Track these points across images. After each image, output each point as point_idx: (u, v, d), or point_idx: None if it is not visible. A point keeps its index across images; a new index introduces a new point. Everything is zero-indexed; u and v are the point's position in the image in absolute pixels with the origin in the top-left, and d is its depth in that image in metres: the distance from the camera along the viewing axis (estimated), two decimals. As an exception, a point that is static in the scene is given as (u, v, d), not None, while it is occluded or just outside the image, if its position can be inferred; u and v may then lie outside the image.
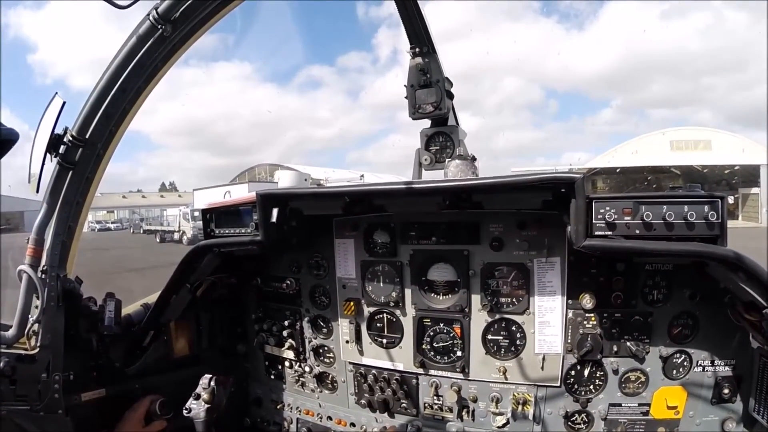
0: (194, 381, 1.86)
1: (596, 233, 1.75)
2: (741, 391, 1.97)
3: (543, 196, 1.87)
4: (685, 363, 2.01)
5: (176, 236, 37.77)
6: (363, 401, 2.57)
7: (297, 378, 2.80)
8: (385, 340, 2.47)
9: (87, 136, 2.00)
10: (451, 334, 2.31)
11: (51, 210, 2.04)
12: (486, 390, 2.30)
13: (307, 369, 2.73)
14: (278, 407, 2.89)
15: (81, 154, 2.02)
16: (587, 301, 2.02)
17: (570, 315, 2.10)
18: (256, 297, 2.86)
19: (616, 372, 2.08)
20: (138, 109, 2.09)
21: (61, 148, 1.98)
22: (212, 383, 1.83)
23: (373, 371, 2.51)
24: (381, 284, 2.43)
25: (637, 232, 1.70)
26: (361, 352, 2.54)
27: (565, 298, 2.09)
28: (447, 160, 2.38)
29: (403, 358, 2.43)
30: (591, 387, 2.13)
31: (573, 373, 2.14)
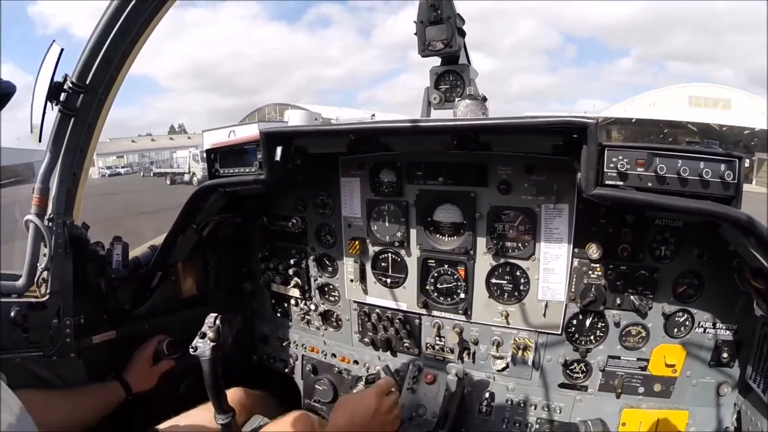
0: (202, 320, 1.85)
1: (607, 182, 1.70)
2: (740, 357, 1.97)
3: (554, 140, 1.80)
4: (687, 322, 2.01)
5: (186, 178, 38.03)
6: (366, 339, 2.63)
7: (302, 316, 2.87)
8: (389, 280, 2.50)
9: (87, 82, 1.96)
10: (455, 276, 2.33)
11: (54, 158, 2.03)
12: (487, 333, 2.33)
13: (312, 307, 2.80)
14: (284, 344, 2.98)
15: (82, 101, 1.99)
16: (593, 251, 2.01)
17: (575, 264, 2.09)
18: (262, 236, 2.89)
19: (617, 325, 2.08)
20: (138, 51, 2.03)
21: (62, 96, 1.94)
22: (217, 322, 1.85)
23: (377, 310, 2.56)
24: (386, 224, 2.43)
25: (650, 184, 1.65)
26: (366, 291, 2.58)
27: (572, 246, 2.08)
28: (457, 99, 2.30)
29: (406, 298, 2.47)
30: (591, 337, 2.14)
31: (575, 322, 2.15)
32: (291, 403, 2.72)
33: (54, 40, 1.90)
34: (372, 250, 2.51)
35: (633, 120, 40.47)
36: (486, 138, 1.98)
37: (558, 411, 2.23)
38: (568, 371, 2.22)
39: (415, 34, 2.32)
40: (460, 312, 2.34)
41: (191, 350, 1.81)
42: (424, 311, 2.44)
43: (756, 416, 1.85)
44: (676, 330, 2.02)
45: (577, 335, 2.16)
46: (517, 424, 2.30)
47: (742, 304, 1.90)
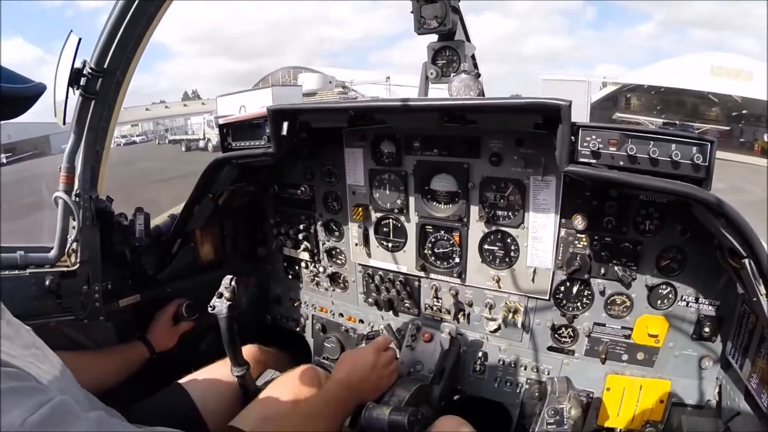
0: (219, 283, 2.01)
1: (580, 160, 1.78)
2: (722, 333, 2.03)
3: (533, 118, 1.89)
4: (670, 295, 2.08)
5: (201, 144, 38.20)
6: (370, 300, 2.81)
7: (312, 278, 3.05)
8: (390, 244, 2.65)
9: (105, 66, 2.08)
10: (451, 242, 2.47)
11: (78, 139, 2.17)
12: (480, 296, 2.48)
13: (321, 269, 2.97)
14: (296, 305, 3.17)
15: (101, 84, 2.11)
16: (579, 222, 2.09)
17: (562, 233, 2.19)
18: (273, 203, 3.05)
19: (602, 293, 2.17)
20: (152, 33, 2.14)
21: (82, 81, 2.06)
22: (233, 283, 2.00)
23: (380, 272, 2.72)
24: (387, 192, 2.56)
25: (621, 163, 1.73)
26: (369, 255, 2.73)
27: (558, 216, 2.17)
28: (452, 74, 2.40)
29: (406, 262, 2.62)
30: (578, 304, 2.25)
31: (562, 288, 2.26)
32: (302, 360, 2.87)
33: (71, 30, 2.01)
34: (374, 216, 2.65)
35: (652, 89, 39.14)
36: (472, 116, 2.07)
37: (546, 372, 2.35)
38: (556, 335, 2.34)
39: (411, 12, 2.38)
40: (455, 275, 2.48)
41: (210, 309, 1.99)
42: (422, 274, 2.59)
43: (734, 392, 1.91)
44: (659, 302, 2.09)
45: (564, 301, 2.27)
46: (508, 383, 2.44)
47: (725, 281, 1.95)
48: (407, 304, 2.69)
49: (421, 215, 2.50)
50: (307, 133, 2.47)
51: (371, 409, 1.86)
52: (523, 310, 2.37)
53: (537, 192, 2.19)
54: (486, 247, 2.39)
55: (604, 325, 2.22)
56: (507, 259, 2.35)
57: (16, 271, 2.12)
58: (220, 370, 2.23)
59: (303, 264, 3.07)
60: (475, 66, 2.60)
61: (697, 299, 2.04)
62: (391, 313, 2.76)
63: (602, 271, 2.13)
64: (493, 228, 2.34)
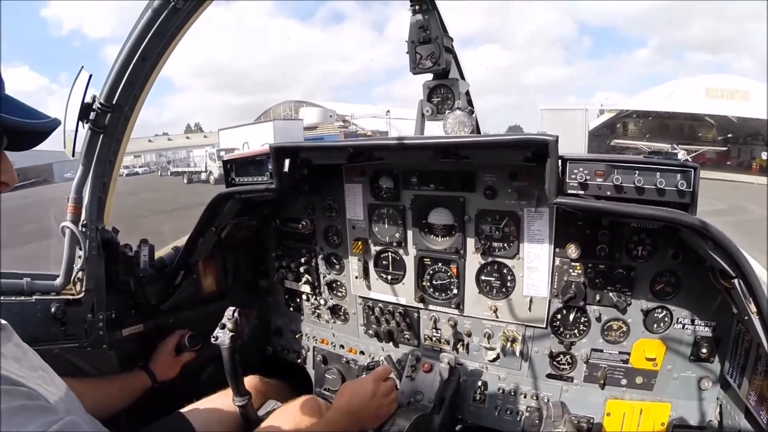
0: (221, 314, 2.05)
1: (569, 191, 1.85)
2: (719, 353, 2.04)
3: (523, 153, 1.96)
4: (666, 319, 2.10)
5: (203, 176, 38.40)
6: (371, 331, 2.84)
7: (313, 310, 3.09)
8: (389, 276, 2.70)
9: (114, 102, 2.16)
10: (449, 273, 2.52)
11: (87, 170, 2.24)
12: (479, 326, 2.51)
13: (322, 302, 3.02)
14: (297, 336, 3.19)
15: (110, 119, 2.19)
16: (572, 250, 2.14)
17: (557, 262, 2.24)
18: (275, 237, 3.11)
19: (598, 319, 2.21)
20: (159, 72, 2.23)
21: (91, 115, 2.15)
22: (235, 314, 2.04)
23: (380, 304, 2.76)
24: (386, 226, 2.63)
25: (608, 193, 1.79)
26: (369, 287, 2.78)
27: (552, 246, 2.22)
28: (447, 111, 2.50)
29: (405, 293, 2.67)
30: (575, 331, 2.28)
31: (559, 316, 2.29)
32: (303, 391, 2.83)
33: (82, 66, 2.10)
34: (374, 249, 2.71)
35: (649, 116, 39.58)
36: (465, 152, 2.15)
37: (546, 400, 2.35)
38: (554, 362, 2.36)
39: (407, 52, 2.50)
40: (453, 306, 2.52)
41: (212, 339, 2.02)
42: (421, 305, 2.63)
43: (734, 411, 1.92)
44: (655, 325, 2.11)
45: (561, 329, 2.30)
46: (508, 412, 2.45)
47: (720, 301, 1.96)
48: (407, 335, 2.72)
49: (419, 248, 2.56)
50: (308, 169, 2.54)
51: None
52: (521, 338, 2.39)
53: (531, 223, 2.26)
54: (483, 278, 2.44)
55: (601, 350, 2.24)
56: (504, 289, 2.39)
57: (22, 297, 2.16)
58: (222, 400, 2.25)
59: (304, 296, 3.11)
60: (470, 102, 2.71)
61: (692, 321, 2.06)
62: (391, 344, 2.79)
63: (597, 298, 2.17)
64: (490, 259, 2.39)
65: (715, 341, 2.03)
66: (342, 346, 2.99)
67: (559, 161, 1.84)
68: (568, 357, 2.33)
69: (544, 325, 2.32)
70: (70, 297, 2.27)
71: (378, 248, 2.69)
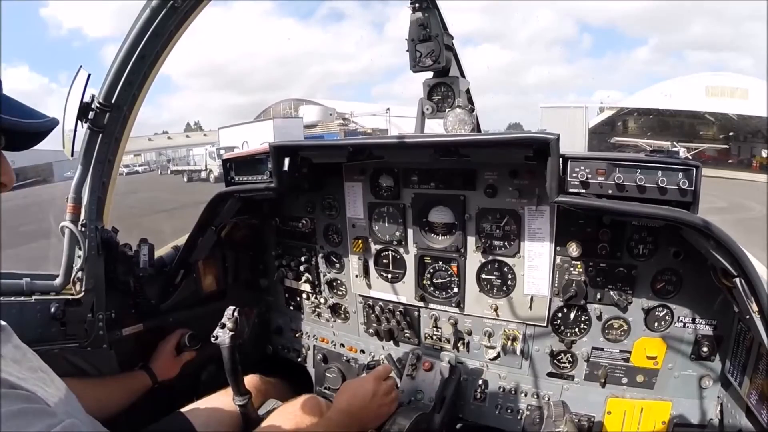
0: (221, 314, 2.03)
1: (570, 190, 1.84)
2: (720, 352, 2.04)
3: (524, 152, 1.95)
4: (667, 317, 2.10)
5: (203, 175, 38.44)
6: (371, 330, 2.83)
7: (313, 309, 3.08)
8: (390, 275, 2.69)
9: (113, 101, 2.16)
10: (449, 272, 2.51)
11: (86, 170, 2.24)
12: (479, 325, 2.50)
13: (322, 300, 3.01)
14: (297, 335, 3.19)
15: (108, 118, 2.18)
16: (573, 249, 2.13)
17: (557, 261, 2.23)
18: (275, 236, 3.11)
19: (599, 318, 2.20)
20: (158, 71, 2.23)
21: (90, 114, 2.14)
22: (235, 313, 2.03)
23: (380, 303, 2.75)
24: (386, 224, 2.62)
25: (610, 192, 1.78)
26: (369, 286, 2.77)
27: (553, 245, 2.21)
28: (447, 109, 2.49)
29: (406, 292, 2.66)
30: (576, 330, 2.27)
31: (560, 315, 2.29)
32: (304, 390, 2.83)
33: (81, 66, 2.10)
34: (374, 248, 2.70)
35: (650, 113, 39.58)
36: (465, 151, 2.15)
37: (547, 398, 2.35)
38: (555, 361, 2.35)
39: (407, 50, 2.49)
40: (454, 305, 2.51)
41: (212, 339, 2.01)
42: (421, 304, 2.62)
43: (735, 410, 1.92)
44: (656, 324, 2.10)
45: (562, 327, 2.29)
46: (509, 410, 2.45)
47: (721, 300, 1.96)
48: (407, 334, 2.71)
49: (419, 247, 2.55)
50: (308, 167, 2.54)
51: None
52: (522, 337, 2.39)
53: (532, 221, 2.25)
54: (483, 276, 2.43)
55: (602, 349, 2.23)
56: (504, 288, 2.39)
57: (22, 298, 2.15)
58: (222, 399, 2.25)
59: (304, 295, 3.10)
60: (470, 100, 2.70)
61: (693, 320, 2.06)
62: (391, 343, 2.78)
63: (598, 297, 2.17)
64: (490, 258, 2.38)
65: (716, 340, 2.03)
66: (342, 345, 2.99)
67: (560, 159, 1.84)
68: (568, 355, 2.32)
69: (545, 324, 2.32)
70: (70, 297, 2.26)
71: (378, 247, 2.69)
